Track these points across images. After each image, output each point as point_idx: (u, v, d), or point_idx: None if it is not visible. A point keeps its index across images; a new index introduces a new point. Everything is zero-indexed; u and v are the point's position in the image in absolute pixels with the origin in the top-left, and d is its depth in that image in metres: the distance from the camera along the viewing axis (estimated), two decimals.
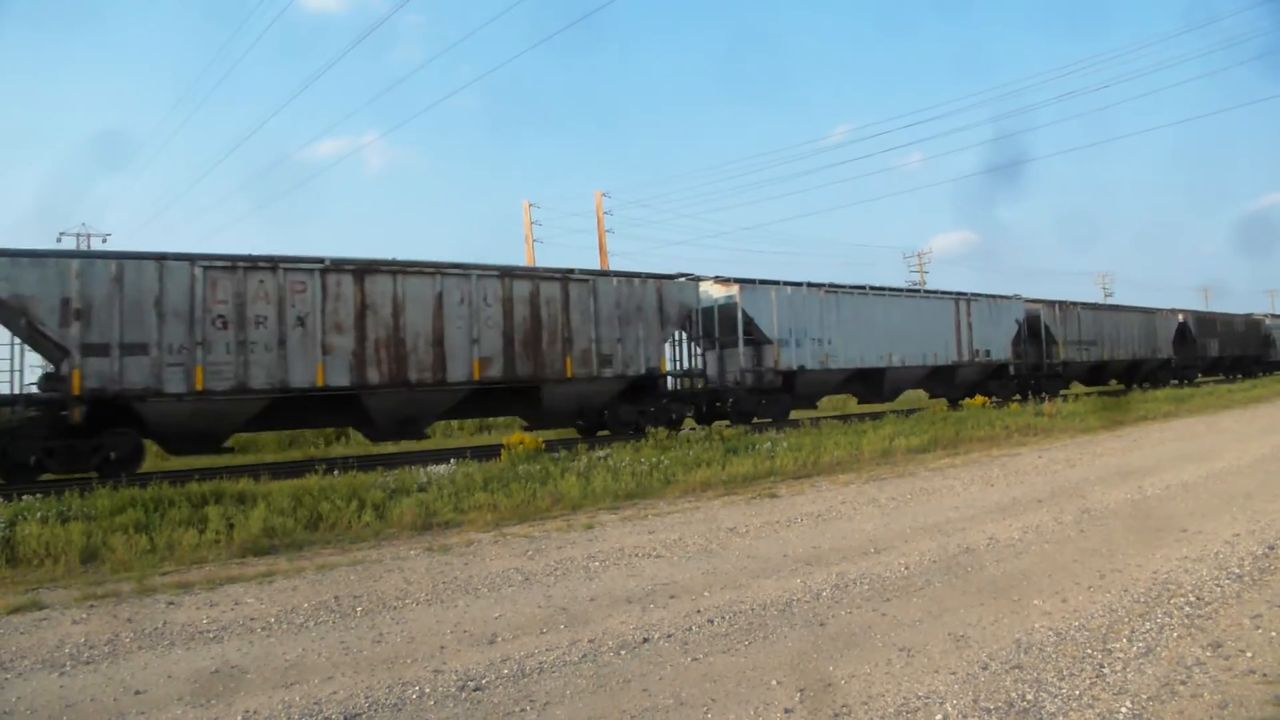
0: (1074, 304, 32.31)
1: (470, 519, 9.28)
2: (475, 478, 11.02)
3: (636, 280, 18.58)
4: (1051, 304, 30.87)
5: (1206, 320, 42.77)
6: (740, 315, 20.84)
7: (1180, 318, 39.66)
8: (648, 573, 6.81)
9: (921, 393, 28.02)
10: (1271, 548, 6.83)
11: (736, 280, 21.29)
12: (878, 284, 24.92)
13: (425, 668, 4.73)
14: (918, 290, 27.48)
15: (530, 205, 34.82)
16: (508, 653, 4.93)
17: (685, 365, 21.33)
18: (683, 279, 19.89)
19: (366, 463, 13.80)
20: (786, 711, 3.99)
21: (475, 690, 4.37)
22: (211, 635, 5.45)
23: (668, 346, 19.84)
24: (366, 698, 4.29)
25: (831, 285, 22.91)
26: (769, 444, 14.59)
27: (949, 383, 26.62)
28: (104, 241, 36.12)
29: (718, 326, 21.19)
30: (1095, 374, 34.31)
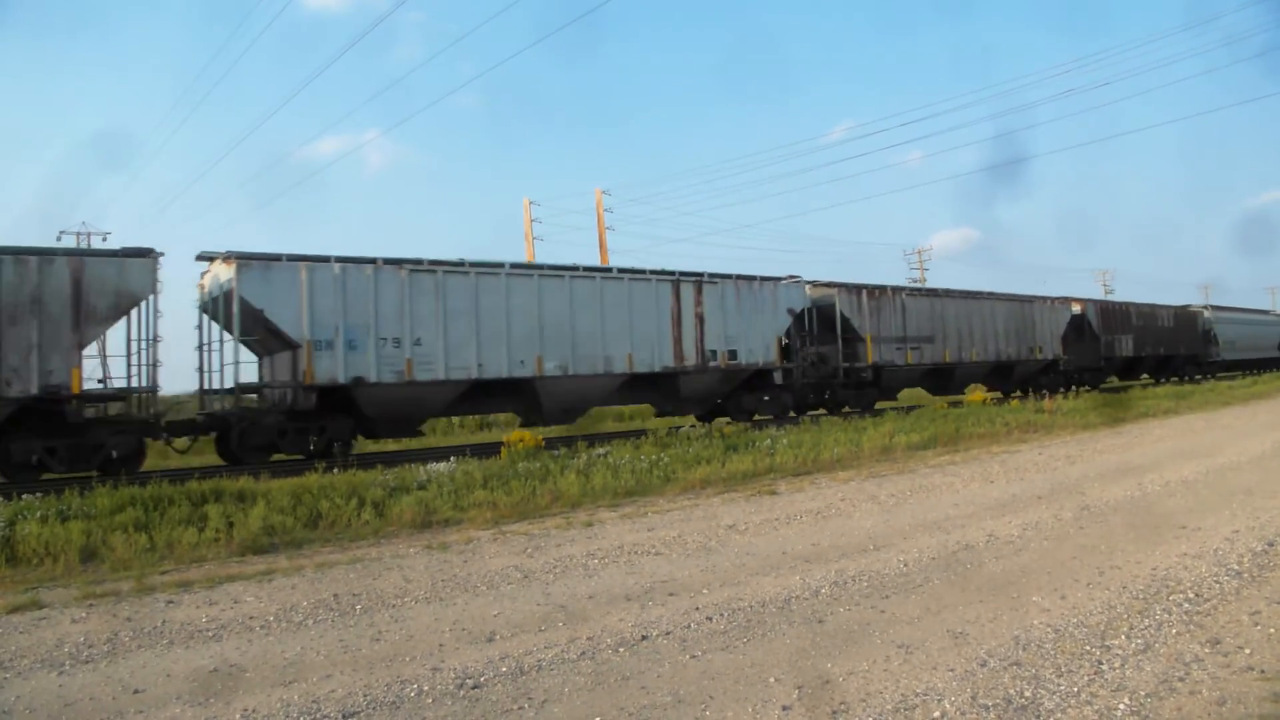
0: (892, 289, 25.20)
1: (470, 517, 9.28)
2: (475, 475, 11.01)
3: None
4: (854, 289, 23.79)
5: (1115, 312, 34.90)
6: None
7: (1076, 308, 32.56)
8: (647, 570, 6.81)
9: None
10: (1271, 544, 6.82)
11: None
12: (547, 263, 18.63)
13: (424, 666, 4.73)
14: (604, 270, 19.58)
15: (530, 203, 34.80)
16: (506, 650, 4.94)
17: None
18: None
19: (366, 461, 13.81)
20: (784, 709, 3.99)
21: (474, 688, 4.37)
22: (210, 634, 5.45)
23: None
24: (365, 696, 4.29)
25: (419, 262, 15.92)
26: (769, 441, 14.58)
27: (670, 396, 19.88)
28: (104, 240, 36.11)
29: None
30: (937, 379, 27.00)
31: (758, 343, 20.60)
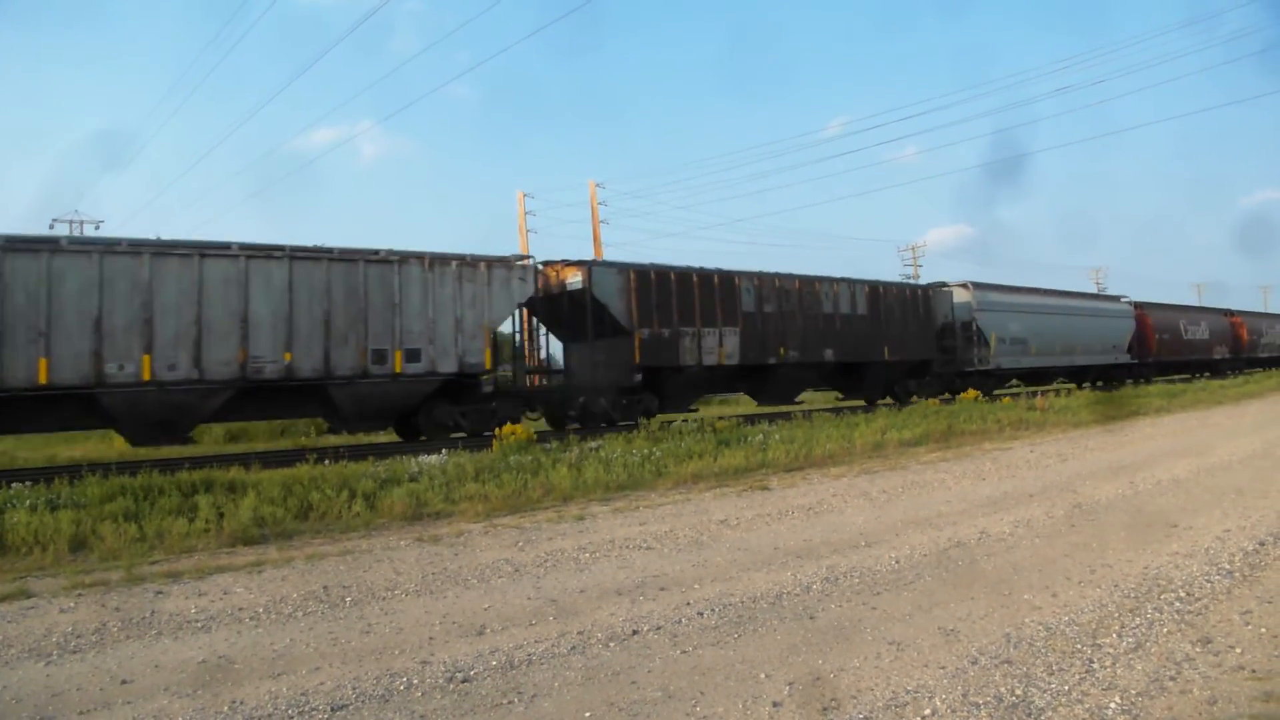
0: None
1: (461, 509, 9.25)
2: (466, 468, 10.99)
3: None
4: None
5: (676, 279, 19.67)
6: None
7: (575, 277, 18.68)
8: (638, 564, 6.80)
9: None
10: (1262, 544, 6.84)
11: None
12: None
13: (413, 659, 4.71)
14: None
15: (524, 195, 34.71)
16: (496, 644, 4.92)
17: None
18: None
19: (357, 452, 13.77)
20: (775, 704, 3.98)
21: (463, 681, 4.35)
22: (200, 625, 5.42)
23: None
24: (354, 688, 4.27)
25: None
26: (761, 436, 14.59)
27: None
28: (96, 228, 36.02)
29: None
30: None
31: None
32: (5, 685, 4.41)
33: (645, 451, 12.53)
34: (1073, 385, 33.49)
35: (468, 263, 16.44)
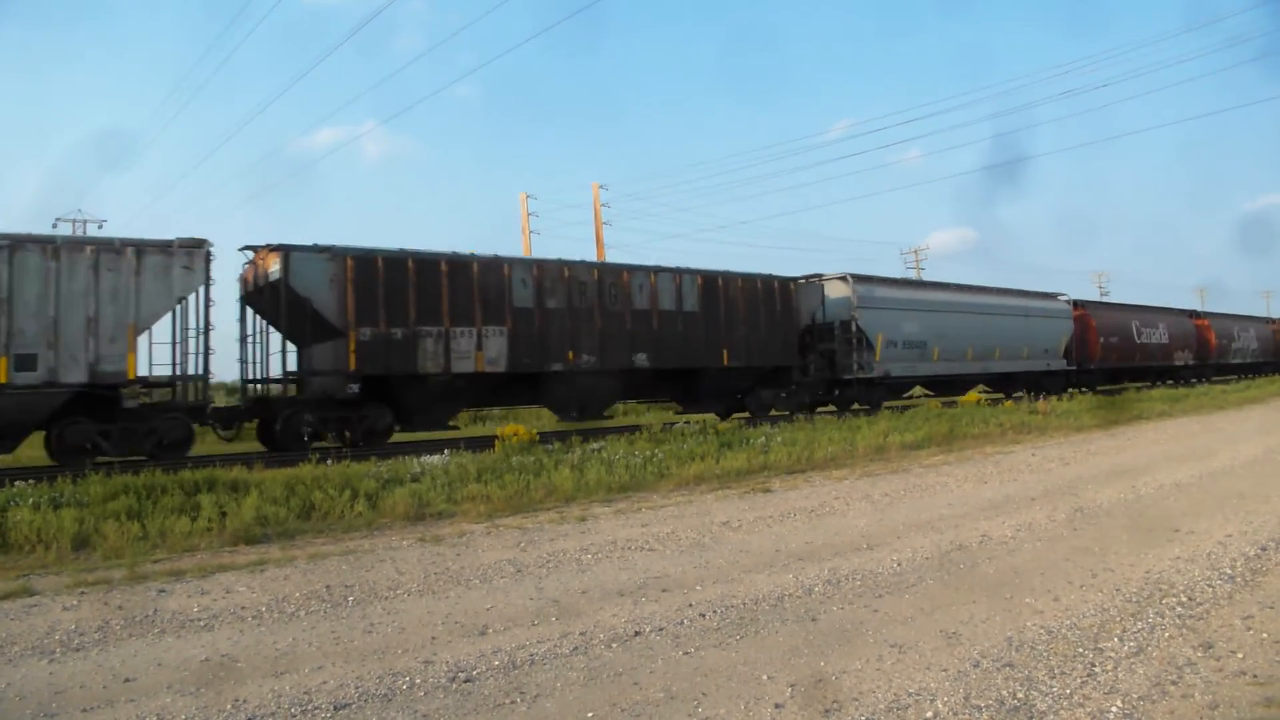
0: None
1: (463, 510, 9.26)
2: (469, 468, 11.00)
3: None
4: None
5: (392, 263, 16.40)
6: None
7: (275, 265, 15.45)
8: (640, 566, 6.80)
9: None
10: (1264, 549, 6.84)
11: None
12: None
13: (416, 658, 4.72)
14: None
15: (527, 197, 34.72)
16: (499, 644, 4.92)
17: None
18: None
19: (360, 452, 13.78)
20: (777, 706, 3.98)
21: (466, 681, 4.36)
22: (202, 623, 5.43)
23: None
24: (357, 688, 4.27)
25: None
26: (763, 439, 14.59)
27: None
28: (99, 227, 36.05)
29: None
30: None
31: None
32: (9, 682, 4.43)
33: (647, 453, 12.54)
34: (1001, 395, 28.27)
35: (109, 248, 13.42)
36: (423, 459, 11.72)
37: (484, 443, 14.36)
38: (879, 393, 24.54)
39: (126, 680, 4.44)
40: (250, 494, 9.02)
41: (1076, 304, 33.18)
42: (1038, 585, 6.00)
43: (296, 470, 10.38)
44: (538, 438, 14.14)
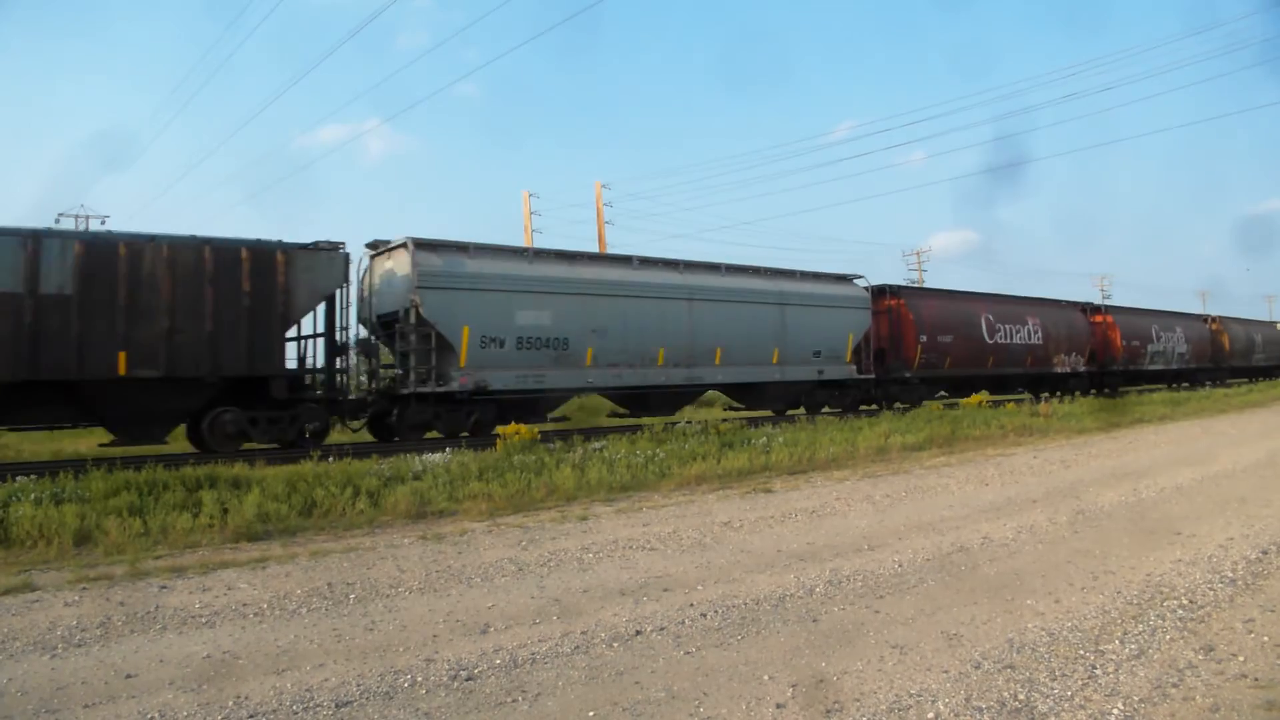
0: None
1: (465, 508, 9.27)
2: (470, 467, 11.00)
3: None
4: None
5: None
6: None
7: None
8: (641, 565, 6.81)
9: None
10: (1265, 552, 6.84)
11: None
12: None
13: (417, 656, 4.72)
14: None
15: (530, 195, 34.70)
16: (500, 643, 4.93)
17: None
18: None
19: (362, 450, 13.79)
20: (778, 706, 3.98)
21: (467, 680, 4.36)
22: (204, 620, 5.44)
23: None
24: (358, 685, 4.28)
25: None
26: (764, 439, 14.59)
27: None
28: (102, 223, 36.10)
29: None
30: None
31: None
32: (10, 678, 4.43)
33: (649, 452, 12.55)
34: (766, 417, 21.27)
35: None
36: (425, 457, 11.73)
37: (486, 441, 14.37)
38: (462, 415, 16.71)
39: (128, 676, 4.45)
40: (252, 491, 9.03)
41: (888, 290, 25.48)
42: (1039, 587, 6.00)
43: (298, 467, 10.40)
44: (539, 436, 14.14)
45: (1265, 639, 4.80)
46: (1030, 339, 29.31)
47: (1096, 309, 34.86)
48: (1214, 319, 44.19)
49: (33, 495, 8.51)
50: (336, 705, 4.05)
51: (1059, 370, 30.64)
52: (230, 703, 4.08)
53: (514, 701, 4.09)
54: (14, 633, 5.15)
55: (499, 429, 14.25)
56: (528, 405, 17.25)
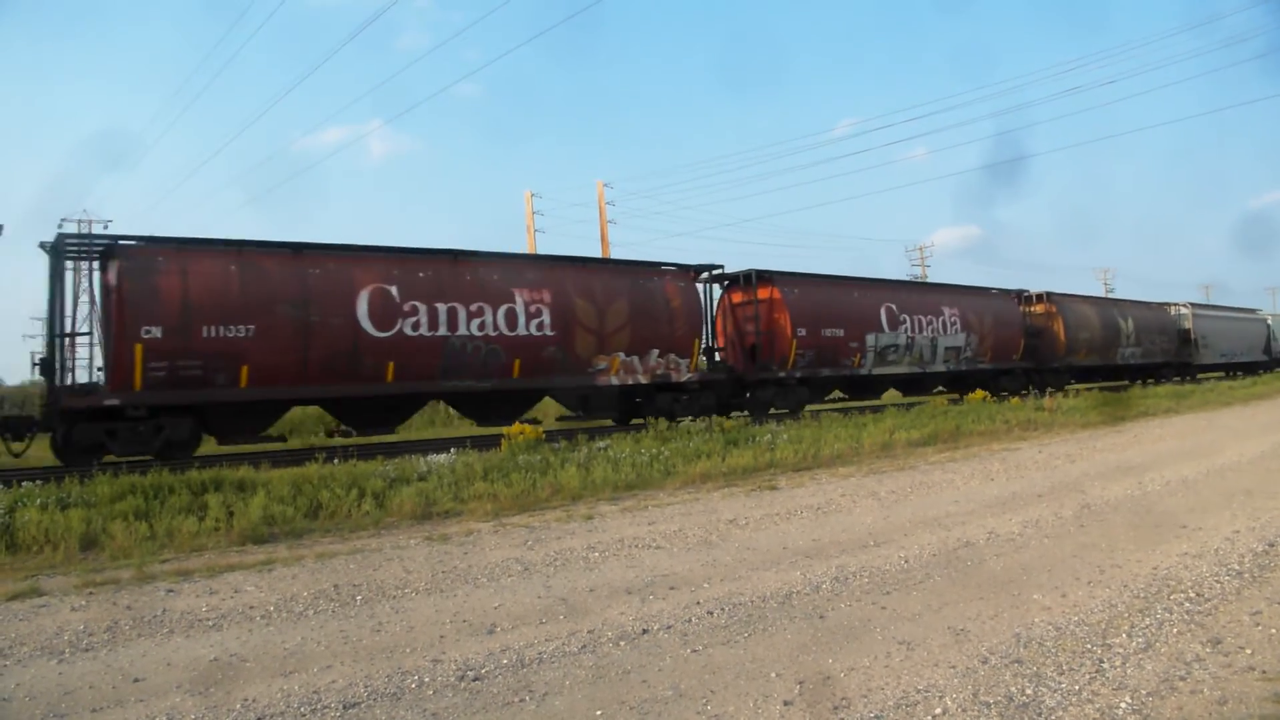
0: None
1: (470, 508, 9.27)
2: (475, 467, 11.00)
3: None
4: None
5: None
6: None
7: None
8: (647, 564, 6.81)
9: None
10: (1271, 545, 6.82)
11: None
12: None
13: (424, 657, 4.73)
14: None
15: (532, 195, 34.73)
16: (507, 643, 4.93)
17: None
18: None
19: (366, 451, 13.80)
20: (785, 703, 3.98)
21: (474, 680, 4.37)
22: (211, 623, 5.45)
23: None
24: (366, 687, 4.28)
25: None
26: (769, 436, 14.57)
27: None
28: (105, 227, 36.16)
29: None
30: None
31: None
32: (19, 683, 4.44)
33: (653, 451, 12.54)
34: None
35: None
36: (429, 458, 11.73)
37: (490, 441, 14.37)
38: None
39: (135, 680, 4.46)
40: (257, 494, 9.04)
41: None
42: (1045, 582, 5.99)
43: (303, 470, 10.40)
44: (544, 436, 14.14)
45: (1272, 631, 4.79)
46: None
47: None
48: (1023, 298, 29.66)
49: (39, 500, 8.52)
50: (344, 707, 4.05)
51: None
52: (238, 705, 4.09)
53: (521, 701, 4.09)
54: (21, 638, 5.16)
55: (508, 429, 14.30)
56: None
